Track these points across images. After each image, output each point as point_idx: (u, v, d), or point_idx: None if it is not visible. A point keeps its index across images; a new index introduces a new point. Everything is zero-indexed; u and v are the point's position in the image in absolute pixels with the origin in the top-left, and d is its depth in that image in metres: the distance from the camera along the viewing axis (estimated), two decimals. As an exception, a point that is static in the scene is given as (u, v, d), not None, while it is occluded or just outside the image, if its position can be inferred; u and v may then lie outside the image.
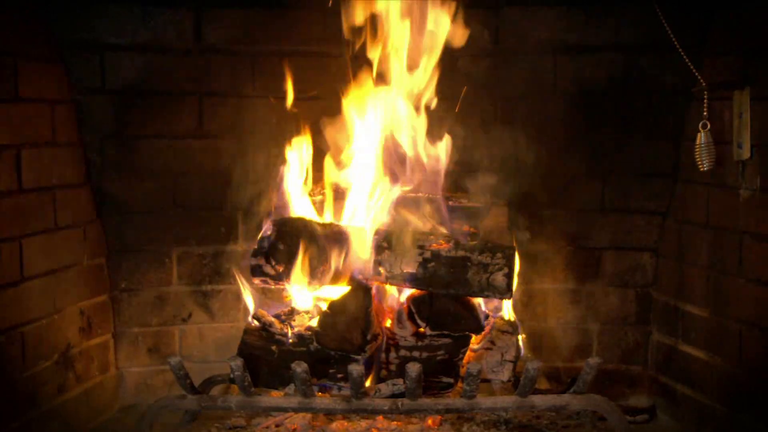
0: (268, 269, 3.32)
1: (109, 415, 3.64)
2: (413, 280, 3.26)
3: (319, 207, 3.53)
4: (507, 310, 3.48)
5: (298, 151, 3.52)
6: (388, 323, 3.32)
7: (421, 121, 3.48)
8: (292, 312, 3.38)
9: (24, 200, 3.16)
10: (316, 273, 3.28)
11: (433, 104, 3.48)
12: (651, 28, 3.36)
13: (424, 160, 3.48)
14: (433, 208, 3.43)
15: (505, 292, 3.22)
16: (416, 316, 3.27)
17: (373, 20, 3.43)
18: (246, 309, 3.49)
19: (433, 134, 3.49)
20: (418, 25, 3.45)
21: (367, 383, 3.10)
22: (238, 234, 3.76)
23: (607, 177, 3.75)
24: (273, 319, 3.30)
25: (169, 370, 3.00)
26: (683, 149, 3.57)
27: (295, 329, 3.26)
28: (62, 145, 3.44)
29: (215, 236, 3.76)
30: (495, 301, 3.40)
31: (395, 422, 3.26)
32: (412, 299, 3.31)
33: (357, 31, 3.44)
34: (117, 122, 3.63)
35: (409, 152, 3.49)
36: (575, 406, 3.06)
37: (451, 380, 3.21)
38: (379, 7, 3.42)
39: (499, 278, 3.20)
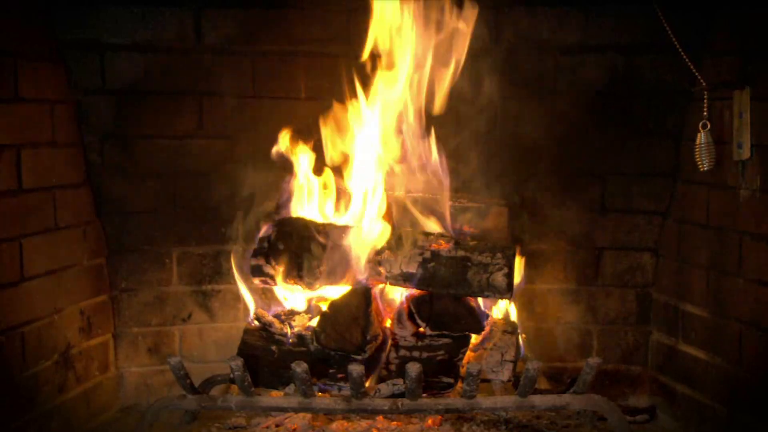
0: (268, 269, 3.32)
1: (109, 415, 3.64)
2: (413, 280, 3.26)
3: (320, 207, 3.53)
4: (507, 309, 3.48)
5: (299, 151, 3.52)
6: (388, 323, 3.32)
7: (422, 122, 3.48)
8: (292, 312, 3.38)
9: (24, 200, 3.16)
10: (316, 273, 3.29)
11: (434, 104, 3.48)
12: (651, 28, 3.36)
13: (425, 160, 3.48)
14: (433, 208, 3.42)
15: (505, 292, 3.22)
16: (416, 316, 3.27)
17: (375, 20, 3.44)
18: (246, 309, 3.49)
19: (433, 135, 3.48)
20: (419, 26, 3.45)
21: (367, 383, 3.10)
22: (238, 234, 3.76)
23: (607, 177, 3.75)
24: (273, 319, 3.30)
25: (169, 370, 3.00)
26: (683, 149, 3.57)
27: (295, 329, 3.26)
28: (62, 145, 3.44)
29: (215, 236, 3.76)
30: (495, 301, 3.41)
31: (395, 422, 3.26)
32: (412, 299, 3.31)
33: (360, 31, 3.45)
34: (117, 122, 3.63)
35: (410, 152, 3.48)
36: (575, 406, 3.06)
37: (451, 380, 3.21)
38: (381, 7, 3.42)
39: (499, 278, 3.20)
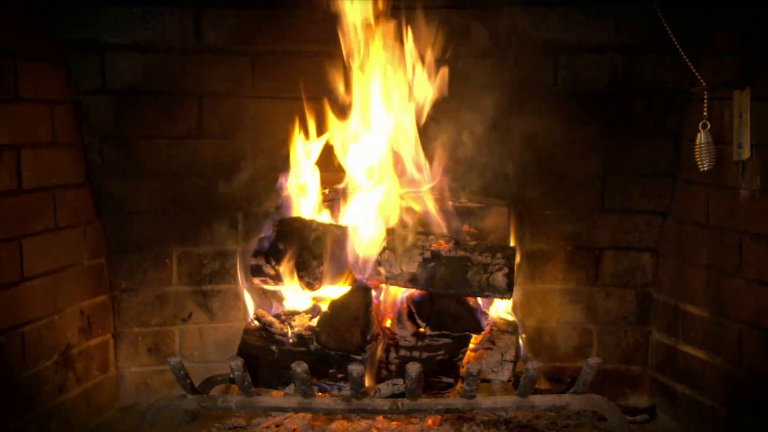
0: (268, 269, 3.32)
1: (109, 415, 3.64)
2: (413, 280, 3.26)
3: (319, 207, 3.53)
4: (507, 310, 3.48)
5: (298, 151, 3.52)
6: (388, 323, 3.32)
7: (422, 122, 3.48)
8: (292, 312, 3.38)
9: (24, 200, 3.16)
10: (316, 273, 3.29)
11: (434, 104, 3.49)
12: (651, 28, 3.36)
13: (425, 160, 3.48)
14: (433, 208, 3.42)
15: (505, 292, 3.22)
16: (416, 316, 3.27)
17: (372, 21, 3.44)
18: (246, 309, 3.49)
19: (433, 135, 3.49)
20: (418, 26, 3.45)
21: (367, 383, 3.10)
22: (238, 234, 3.76)
23: (607, 177, 3.75)
24: (273, 319, 3.30)
25: (169, 370, 3.00)
26: (683, 149, 3.57)
27: (295, 329, 3.26)
28: (62, 145, 3.44)
29: (215, 236, 3.76)
30: (495, 301, 3.41)
31: (395, 422, 3.26)
32: (412, 299, 3.31)
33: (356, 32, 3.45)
34: (117, 122, 3.63)
35: (410, 152, 3.49)
36: (575, 406, 3.06)
37: (451, 380, 3.21)
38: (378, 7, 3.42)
39: (499, 278, 3.20)
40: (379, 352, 3.24)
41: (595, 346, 3.82)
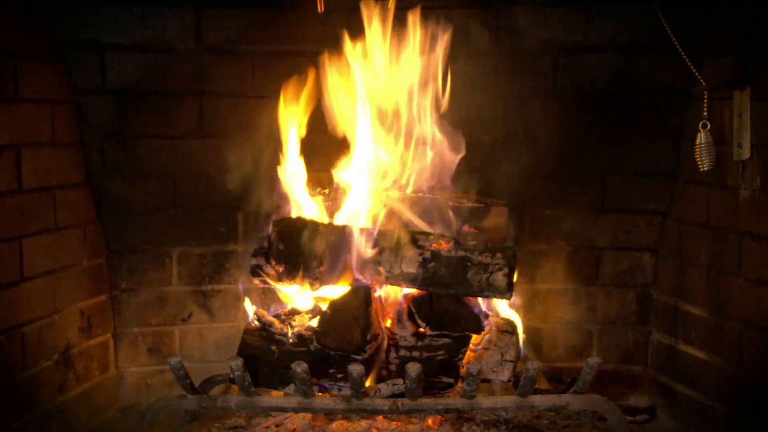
0: (268, 269, 3.32)
1: (109, 415, 3.65)
2: (413, 280, 3.26)
3: (320, 206, 3.53)
4: (507, 310, 3.48)
5: (298, 150, 3.52)
6: (388, 323, 3.32)
7: (421, 122, 3.48)
8: (292, 312, 3.38)
9: (24, 200, 3.16)
10: (316, 273, 3.29)
11: (435, 105, 3.49)
12: (651, 28, 3.36)
13: (424, 160, 3.48)
14: (433, 207, 3.42)
15: (505, 292, 3.22)
16: (416, 316, 3.27)
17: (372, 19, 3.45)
18: (246, 309, 3.49)
19: (433, 134, 3.48)
20: (418, 25, 3.45)
21: (367, 383, 3.10)
22: (238, 234, 3.76)
23: (607, 177, 3.75)
24: (273, 319, 3.30)
25: (169, 370, 3.00)
26: (683, 149, 3.57)
27: (295, 329, 3.26)
28: (62, 145, 3.44)
29: (215, 236, 3.76)
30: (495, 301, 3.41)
31: (395, 422, 3.26)
32: (412, 299, 3.31)
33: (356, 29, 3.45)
34: (117, 122, 3.63)
35: (410, 152, 3.48)
36: (575, 406, 3.06)
37: (451, 380, 3.21)
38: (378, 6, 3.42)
39: (499, 278, 3.20)
40: (383, 353, 3.24)
41: (595, 346, 3.83)
